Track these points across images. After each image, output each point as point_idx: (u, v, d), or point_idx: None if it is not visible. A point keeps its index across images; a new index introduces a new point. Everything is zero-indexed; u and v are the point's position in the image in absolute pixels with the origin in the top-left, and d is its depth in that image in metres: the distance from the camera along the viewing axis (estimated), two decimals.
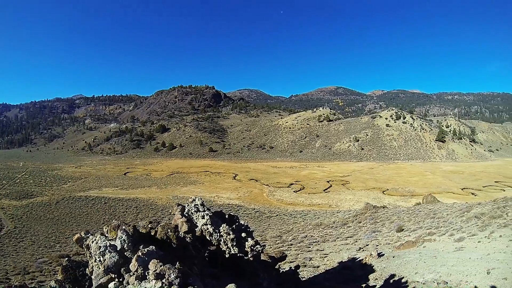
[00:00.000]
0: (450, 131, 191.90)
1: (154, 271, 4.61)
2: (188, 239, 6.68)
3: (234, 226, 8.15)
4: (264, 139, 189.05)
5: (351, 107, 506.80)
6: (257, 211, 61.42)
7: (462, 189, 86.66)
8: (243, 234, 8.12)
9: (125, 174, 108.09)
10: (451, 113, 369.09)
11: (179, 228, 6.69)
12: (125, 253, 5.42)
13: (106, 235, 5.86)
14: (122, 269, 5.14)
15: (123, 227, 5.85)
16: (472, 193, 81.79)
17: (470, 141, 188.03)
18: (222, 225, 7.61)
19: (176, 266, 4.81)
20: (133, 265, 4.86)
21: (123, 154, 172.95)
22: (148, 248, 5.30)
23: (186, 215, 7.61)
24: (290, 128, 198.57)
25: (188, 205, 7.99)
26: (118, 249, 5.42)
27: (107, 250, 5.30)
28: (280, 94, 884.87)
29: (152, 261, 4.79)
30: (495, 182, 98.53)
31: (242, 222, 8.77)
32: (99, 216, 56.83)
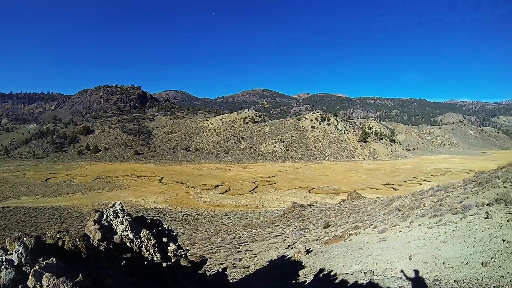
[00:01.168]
0: (372, 133, 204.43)
1: (47, 285, 4.20)
2: (102, 248, 6.25)
3: (155, 231, 7.83)
4: (190, 141, 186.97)
5: (276, 109, 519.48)
6: (185, 214, 60.67)
7: (384, 185, 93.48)
8: (165, 239, 7.86)
9: (46, 180, 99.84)
10: (373, 116, 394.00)
11: (92, 236, 6.27)
12: (24, 268, 4.77)
13: (8, 249, 5.28)
14: (20, 286, 4.58)
15: (23, 238, 5.25)
16: (393, 188, 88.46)
17: (390, 141, 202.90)
18: (143, 231, 7.25)
19: (79, 279, 4.42)
20: (30, 281, 4.31)
21: (44, 158, 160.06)
22: (47, 261, 4.68)
23: (105, 221, 7.15)
24: (215, 130, 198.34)
25: (106, 210, 7.43)
26: (15, 264, 4.79)
27: (2, 266, 4.67)
28: (206, 96, 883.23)
29: (45, 275, 4.16)
30: (413, 177, 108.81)
31: (165, 226, 8.48)
32: (19, 229, 51.70)
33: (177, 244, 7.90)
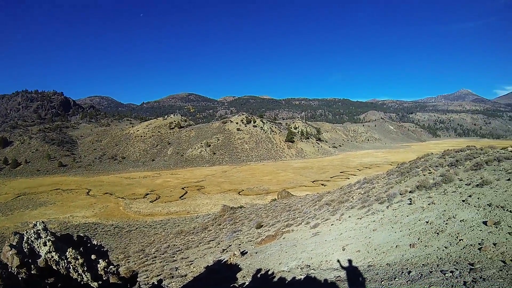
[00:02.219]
0: (298, 132, 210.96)
1: None
2: (23, 275, 5.59)
3: (82, 248, 7.35)
4: (116, 149, 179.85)
5: (202, 113, 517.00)
6: (116, 227, 58.43)
7: (313, 182, 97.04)
8: (94, 256, 7.38)
9: None
10: (299, 116, 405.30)
11: (10, 263, 5.56)
12: None
13: None
14: None
15: None
16: (322, 184, 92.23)
17: (316, 140, 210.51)
18: (69, 250, 6.57)
19: None
20: None
21: None
22: None
23: (26, 244, 6.48)
24: (141, 136, 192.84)
25: (27, 232, 6.73)
26: None
27: None
28: (131, 101, 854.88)
29: None
30: (341, 172, 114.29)
31: (94, 242, 7.98)
32: None
33: (107, 260, 7.44)
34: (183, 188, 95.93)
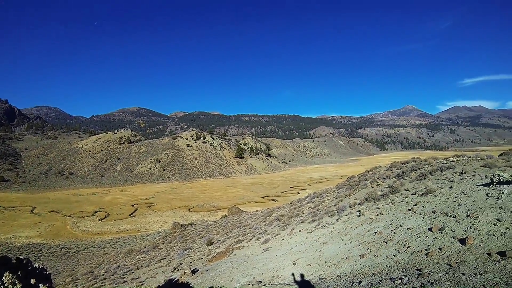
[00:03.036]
0: (248, 148, 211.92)
1: None
2: None
3: (20, 272, 6.82)
4: (63, 164, 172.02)
5: (152, 128, 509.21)
6: (63, 247, 55.58)
7: (263, 197, 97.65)
8: (33, 281, 6.86)
9: None
10: (249, 132, 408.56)
11: None
12: None
13: None
14: None
15: None
16: (273, 199, 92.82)
17: (266, 156, 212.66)
18: (5, 274, 6.20)
19: None
20: None
21: None
22: None
23: None
24: (90, 151, 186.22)
25: None
26: None
27: None
28: (80, 114, 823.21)
29: None
30: (291, 187, 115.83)
31: (36, 265, 7.44)
32: None
33: (48, 285, 6.96)
34: (133, 205, 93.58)
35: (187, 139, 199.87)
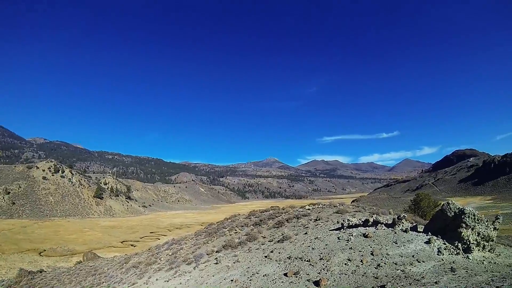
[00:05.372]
0: (108, 188, 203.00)
1: None
2: None
3: None
4: None
5: (6, 151, 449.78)
6: None
7: (122, 242, 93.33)
8: None
9: None
10: (110, 171, 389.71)
11: None
12: None
13: None
14: None
15: None
16: (132, 245, 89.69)
17: (126, 198, 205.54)
18: None
19: None
20: None
21: None
22: None
23: None
24: None
25: None
26: None
27: None
28: None
29: None
30: (150, 232, 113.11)
31: None
32: None
33: None
34: None
35: (44, 170, 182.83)
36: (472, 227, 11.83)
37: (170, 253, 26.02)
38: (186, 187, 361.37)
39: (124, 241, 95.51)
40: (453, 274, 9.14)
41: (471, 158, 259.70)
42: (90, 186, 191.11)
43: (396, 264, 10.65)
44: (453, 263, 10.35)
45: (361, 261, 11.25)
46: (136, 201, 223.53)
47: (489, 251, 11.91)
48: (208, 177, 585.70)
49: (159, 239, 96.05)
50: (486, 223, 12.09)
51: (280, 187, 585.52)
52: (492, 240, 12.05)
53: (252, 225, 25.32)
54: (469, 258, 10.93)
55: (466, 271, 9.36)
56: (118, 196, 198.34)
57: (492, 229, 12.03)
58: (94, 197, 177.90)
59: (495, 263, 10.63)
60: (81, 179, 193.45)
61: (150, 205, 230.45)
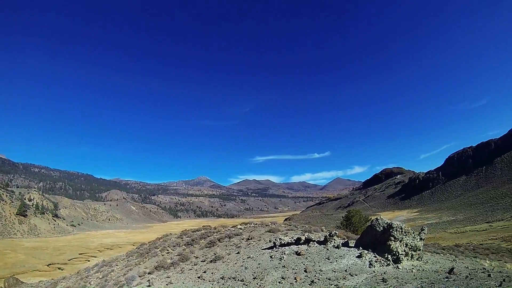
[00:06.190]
0: (33, 205, 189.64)
1: None
2: None
3: None
4: None
5: None
6: None
7: (48, 265, 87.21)
8: None
9: None
10: (36, 186, 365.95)
11: None
12: None
13: None
14: None
15: None
16: (59, 268, 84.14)
17: (53, 216, 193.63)
18: None
19: None
20: None
21: None
22: None
23: None
24: None
25: None
26: None
27: None
28: None
29: None
30: (80, 254, 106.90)
31: None
32: None
33: None
34: None
35: None
36: (400, 239, 12.76)
37: (100, 276, 25.22)
38: (117, 205, 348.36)
39: (50, 264, 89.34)
40: (385, 284, 9.71)
41: (398, 176, 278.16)
42: (12, 202, 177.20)
43: (329, 279, 11.05)
44: (385, 274, 10.96)
45: (295, 278, 11.61)
46: (64, 219, 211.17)
47: (417, 259, 13.00)
48: (139, 195, 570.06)
49: (88, 260, 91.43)
50: (413, 235, 13.14)
51: (212, 206, 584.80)
52: (419, 249, 13.11)
53: (184, 244, 25.40)
54: (399, 268, 11.74)
55: (397, 280, 9.96)
56: (44, 213, 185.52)
57: (418, 240, 13.14)
58: (17, 214, 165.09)
59: (423, 270, 11.46)
60: (3, 194, 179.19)
61: (79, 224, 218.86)
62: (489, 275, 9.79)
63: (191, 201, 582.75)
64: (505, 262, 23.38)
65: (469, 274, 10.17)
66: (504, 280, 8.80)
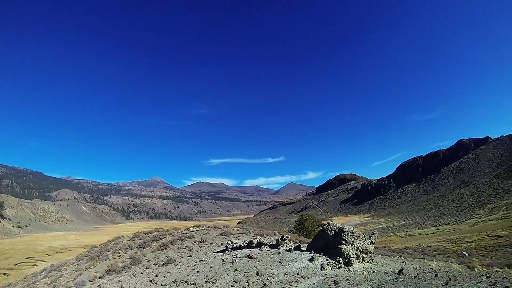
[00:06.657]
0: None
1: None
2: None
3: None
4: None
5: None
6: None
7: None
8: None
9: None
10: None
11: None
12: None
13: None
14: None
15: None
16: (4, 273, 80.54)
17: None
18: None
19: None
20: None
21: None
22: None
23: None
24: None
25: None
26: None
27: None
28: None
29: None
30: (26, 258, 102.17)
31: None
32: None
33: None
34: None
35: None
36: (351, 242, 13.73)
37: (48, 282, 24.35)
38: (67, 205, 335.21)
39: None
40: (337, 286, 10.46)
41: (351, 182, 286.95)
42: None
43: (282, 282, 11.51)
44: (336, 276, 11.69)
45: (247, 281, 11.99)
46: (10, 220, 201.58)
47: (368, 262, 14.04)
48: (91, 195, 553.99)
49: (36, 265, 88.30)
50: (364, 238, 14.21)
51: (165, 208, 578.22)
52: (370, 252, 14.22)
53: (137, 247, 25.25)
54: (350, 270, 12.57)
55: (348, 282, 10.66)
56: None
57: (369, 243, 14.23)
58: None
59: (374, 272, 12.24)
60: None
61: (26, 226, 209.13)
62: (436, 275, 10.52)
63: (144, 203, 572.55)
64: (451, 262, 25.03)
65: (417, 274, 10.89)
66: (450, 279, 9.50)
